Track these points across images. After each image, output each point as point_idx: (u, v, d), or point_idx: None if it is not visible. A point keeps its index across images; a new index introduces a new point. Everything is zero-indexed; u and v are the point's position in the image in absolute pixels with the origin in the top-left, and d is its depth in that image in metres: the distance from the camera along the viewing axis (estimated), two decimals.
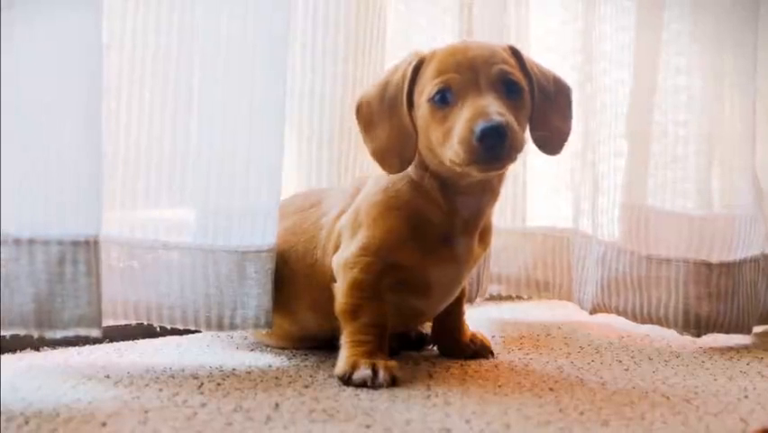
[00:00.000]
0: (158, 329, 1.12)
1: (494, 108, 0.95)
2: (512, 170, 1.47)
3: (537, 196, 1.56)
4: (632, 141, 1.38)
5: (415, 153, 1.03)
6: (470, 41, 1.06)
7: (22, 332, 0.92)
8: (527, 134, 1.04)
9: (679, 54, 1.39)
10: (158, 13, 1.08)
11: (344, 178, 1.30)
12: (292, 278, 1.11)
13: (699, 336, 1.33)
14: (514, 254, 1.51)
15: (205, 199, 1.08)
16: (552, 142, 1.07)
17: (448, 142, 0.97)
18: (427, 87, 1.00)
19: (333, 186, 1.27)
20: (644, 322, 1.36)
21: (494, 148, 0.94)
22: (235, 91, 1.07)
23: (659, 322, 1.34)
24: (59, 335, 0.93)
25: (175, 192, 1.09)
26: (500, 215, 1.48)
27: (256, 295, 1.08)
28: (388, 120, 1.03)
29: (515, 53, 1.05)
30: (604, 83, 1.40)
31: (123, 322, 1.13)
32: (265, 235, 1.08)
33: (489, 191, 1.06)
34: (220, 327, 1.08)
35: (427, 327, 1.22)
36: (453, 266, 1.06)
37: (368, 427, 0.83)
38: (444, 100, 0.99)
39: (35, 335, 0.93)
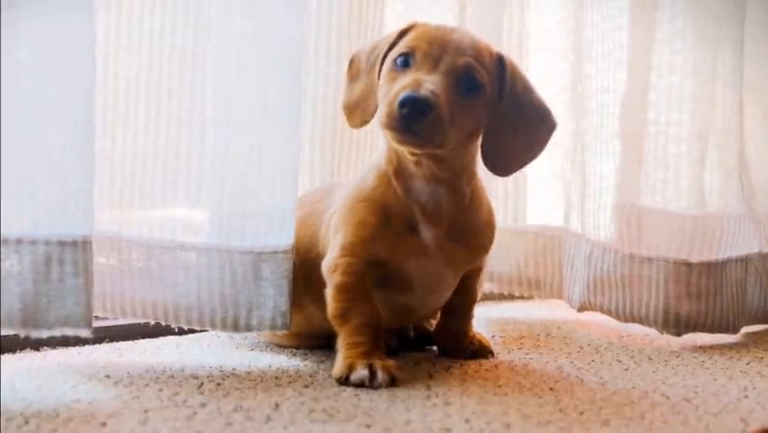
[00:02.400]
0: (175, 329, 1.12)
1: (429, 85, 0.95)
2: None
3: (530, 194, 1.56)
4: (622, 140, 1.38)
5: (374, 112, 1.04)
6: (463, 28, 1.06)
7: (8, 331, 0.92)
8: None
9: (672, 53, 1.39)
10: (174, 14, 1.08)
11: (337, 179, 1.30)
12: (301, 270, 1.11)
13: (679, 335, 1.33)
14: (506, 252, 1.51)
15: (220, 200, 1.08)
16: (505, 162, 1.06)
17: (382, 103, 0.98)
18: (397, 48, 1.02)
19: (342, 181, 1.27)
20: (626, 321, 1.36)
21: (409, 120, 0.93)
22: (249, 92, 1.07)
23: (641, 321, 1.35)
24: (44, 334, 0.93)
25: (191, 193, 1.10)
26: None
27: (272, 296, 1.08)
28: (365, 77, 1.06)
29: (499, 61, 1.03)
30: (596, 82, 1.39)
31: (142, 321, 1.13)
32: (281, 236, 1.08)
33: (442, 184, 1.04)
34: (236, 329, 1.08)
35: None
36: (426, 259, 1.05)
37: (368, 427, 0.83)
38: (405, 64, 1.00)
39: (21, 334, 0.92)
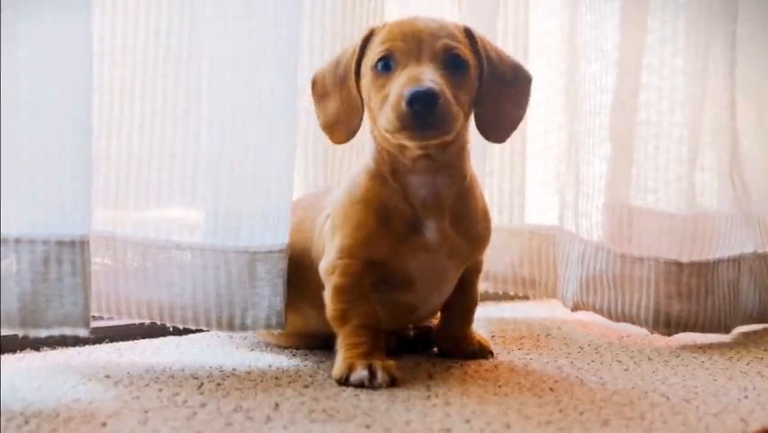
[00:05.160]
0: (170, 328, 1.12)
1: (428, 76, 0.96)
2: (501, 168, 1.49)
3: (528, 194, 1.56)
4: (613, 140, 1.38)
5: (360, 124, 1.05)
6: (423, 16, 1.06)
7: (6, 331, 0.92)
8: (473, 120, 1.06)
9: (663, 53, 1.38)
10: (169, 14, 1.09)
11: (330, 178, 1.31)
12: (296, 274, 1.11)
13: (669, 334, 1.33)
14: (501, 252, 1.51)
15: (215, 200, 1.09)
16: (499, 127, 1.07)
17: (383, 109, 0.98)
18: (372, 55, 1.01)
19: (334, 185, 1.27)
20: (618, 320, 1.36)
21: (423, 114, 0.94)
22: (244, 92, 1.07)
23: (632, 321, 1.35)
24: (43, 334, 0.93)
25: (187, 193, 1.10)
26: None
27: (267, 296, 1.08)
28: (338, 93, 1.06)
29: (468, 34, 1.05)
30: (591, 84, 1.39)
31: (137, 321, 1.14)
32: (276, 236, 1.09)
33: (442, 171, 1.04)
34: (231, 328, 1.09)
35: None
36: (428, 254, 1.05)
37: (367, 427, 0.83)
38: (387, 67, 1.00)
39: (20, 334, 0.93)
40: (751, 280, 1.42)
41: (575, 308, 1.41)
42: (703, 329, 1.34)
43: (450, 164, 1.05)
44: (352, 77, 1.04)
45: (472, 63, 1.02)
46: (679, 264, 1.33)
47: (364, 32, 1.05)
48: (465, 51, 1.01)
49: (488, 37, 1.10)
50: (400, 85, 0.96)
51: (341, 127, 1.06)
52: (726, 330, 1.36)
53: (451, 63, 1.00)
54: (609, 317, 1.37)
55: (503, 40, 1.46)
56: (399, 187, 1.04)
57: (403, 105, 0.94)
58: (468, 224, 1.08)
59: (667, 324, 1.32)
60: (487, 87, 1.05)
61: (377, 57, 1.00)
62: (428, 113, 0.94)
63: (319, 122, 1.08)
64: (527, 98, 1.10)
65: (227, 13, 1.07)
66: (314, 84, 1.09)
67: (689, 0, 1.37)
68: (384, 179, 1.05)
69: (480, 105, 1.05)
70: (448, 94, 0.96)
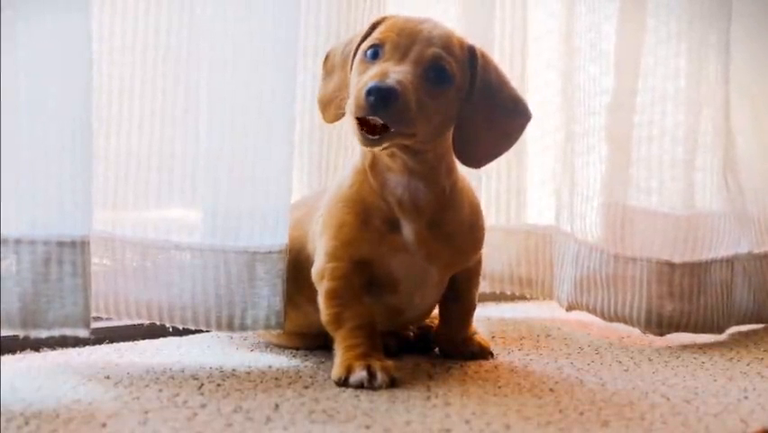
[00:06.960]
0: (170, 328, 1.12)
1: (395, 75, 0.95)
2: (499, 169, 1.49)
3: (524, 194, 1.56)
4: (610, 141, 1.38)
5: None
6: (434, 20, 1.05)
7: (7, 332, 0.92)
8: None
9: (659, 55, 1.38)
10: (169, 14, 1.09)
11: (325, 179, 1.30)
12: (296, 270, 1.11)
13: (661, 335, 1.33)
14: (498, 251, 1.51)
15: (215, 200, 1.09)
16: (478, 153, 1.05)
17: (353, 94, 0.98)
18: (369, 40, 1.01)
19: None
20: (611, 320, 1.37)
21: (376, 108, 0.93)
22: (243, 92, 1.07)
23: (624, 321, 1.35)
24: (44, 334, 0.93)
25: (186, 193, 1.10)
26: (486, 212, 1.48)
27: (266, 296, 1.08)
28: (340, 71, 1.06)
29: (471, 52, 1.03)
30: (588, 86, 1.39)
31: (136, 321, 1.14)
32: (275, 236, 1.09)
33: (418, 177, 1.03)
34: (231, 328, 1.09)
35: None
36: (407, 255, 1.04)
37: (367, 427, 0.83)
38: (375, 56, 1.00)
39: (20, 334, 0.93)
40: (745, 281, 1.42)
41: (569, 308, 1.41)
42: (695, 329, 1.35)
43: (425, 175, 1.04)
44: (352, 57, 1.04)
45: (460, 81, 1.01)
46: (671, 265, 1.33)
47: (377, 18, 1.05)
48: (453, 67, 0.99)
49: (491, 55, 1.08)
50: (369, 75, 0.96)
51: (332, 106, 1.06)
52: (720, 330, 1.37)
53: (434, 73, 0.98)
54: (602, 317, 1.37)
55: (500, 42, 1.46)
56: (377, 183, 1.04)
57: (362, 94, 0.94)
58: (451, 234, 1.07)
59: (659, 324, 1.33)
60: (476, 110, 1.02)
61: (369, 44, 1.01)
62: (383, 109, 0.93)
63: (317, 96, 1.09)
64: (518, 135, 1.07)
65: (227, 14, 1.07)
66: (326, 58, 1.10)
67: (684, 0, 1.37)
68: (366, 176, 1.05)
69: (463, 127, 1.03)
70: (410, 97, 0.94)
